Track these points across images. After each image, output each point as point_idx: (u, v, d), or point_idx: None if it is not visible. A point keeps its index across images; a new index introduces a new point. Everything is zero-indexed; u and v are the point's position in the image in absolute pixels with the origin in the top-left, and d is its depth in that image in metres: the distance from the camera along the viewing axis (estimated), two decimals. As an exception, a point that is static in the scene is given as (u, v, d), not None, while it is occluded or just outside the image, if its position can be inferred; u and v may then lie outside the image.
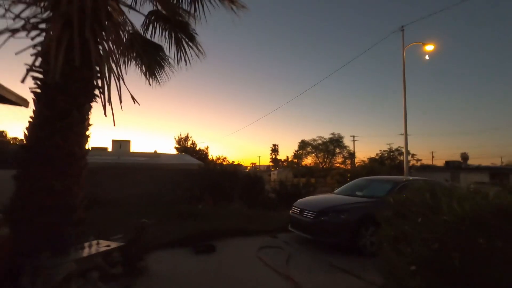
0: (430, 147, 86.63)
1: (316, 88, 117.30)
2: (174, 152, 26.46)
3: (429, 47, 14.23)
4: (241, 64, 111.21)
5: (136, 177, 10.97)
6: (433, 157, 56.10)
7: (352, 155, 42.25)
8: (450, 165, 42.45)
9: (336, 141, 43.43)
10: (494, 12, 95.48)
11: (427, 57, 14.78)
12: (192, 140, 25.43)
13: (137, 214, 7.37)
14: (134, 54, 5.20)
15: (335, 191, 7.00)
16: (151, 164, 11.60)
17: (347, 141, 43.90)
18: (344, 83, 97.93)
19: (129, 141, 16.40)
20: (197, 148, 25.14)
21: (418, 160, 41.64)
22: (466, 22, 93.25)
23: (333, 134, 43.33)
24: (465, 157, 47.16)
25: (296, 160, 49.47)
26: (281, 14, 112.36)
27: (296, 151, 49.21)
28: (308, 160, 47.77)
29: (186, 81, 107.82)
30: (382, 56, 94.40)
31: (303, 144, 46.94)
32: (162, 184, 10.74)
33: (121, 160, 11.49)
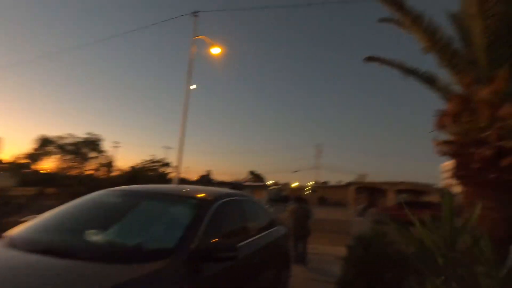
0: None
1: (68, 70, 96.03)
2: None
3: (216, 50, 12.74)
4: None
5: None
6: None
7: (110, 163, 35.93)
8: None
9: (92, 143, 35.30)
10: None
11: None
12: None
13: None
14: None
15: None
16: None
17: (107, 146, 37.06)
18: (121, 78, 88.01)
19: None
20: None
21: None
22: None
23: (90, 134, 34.99)
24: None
25: (29, 162, 35.35)
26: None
27: (35, 149, 35.21)
28: (52, 164, 35.52)
29: None
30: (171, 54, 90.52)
31: (44, 141, 34.35)
32: None
33: None
